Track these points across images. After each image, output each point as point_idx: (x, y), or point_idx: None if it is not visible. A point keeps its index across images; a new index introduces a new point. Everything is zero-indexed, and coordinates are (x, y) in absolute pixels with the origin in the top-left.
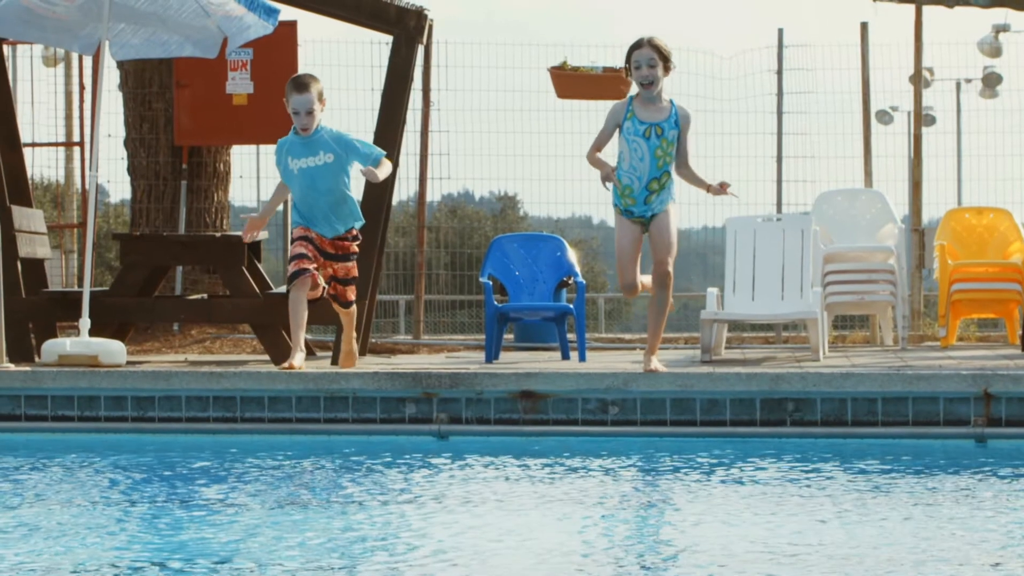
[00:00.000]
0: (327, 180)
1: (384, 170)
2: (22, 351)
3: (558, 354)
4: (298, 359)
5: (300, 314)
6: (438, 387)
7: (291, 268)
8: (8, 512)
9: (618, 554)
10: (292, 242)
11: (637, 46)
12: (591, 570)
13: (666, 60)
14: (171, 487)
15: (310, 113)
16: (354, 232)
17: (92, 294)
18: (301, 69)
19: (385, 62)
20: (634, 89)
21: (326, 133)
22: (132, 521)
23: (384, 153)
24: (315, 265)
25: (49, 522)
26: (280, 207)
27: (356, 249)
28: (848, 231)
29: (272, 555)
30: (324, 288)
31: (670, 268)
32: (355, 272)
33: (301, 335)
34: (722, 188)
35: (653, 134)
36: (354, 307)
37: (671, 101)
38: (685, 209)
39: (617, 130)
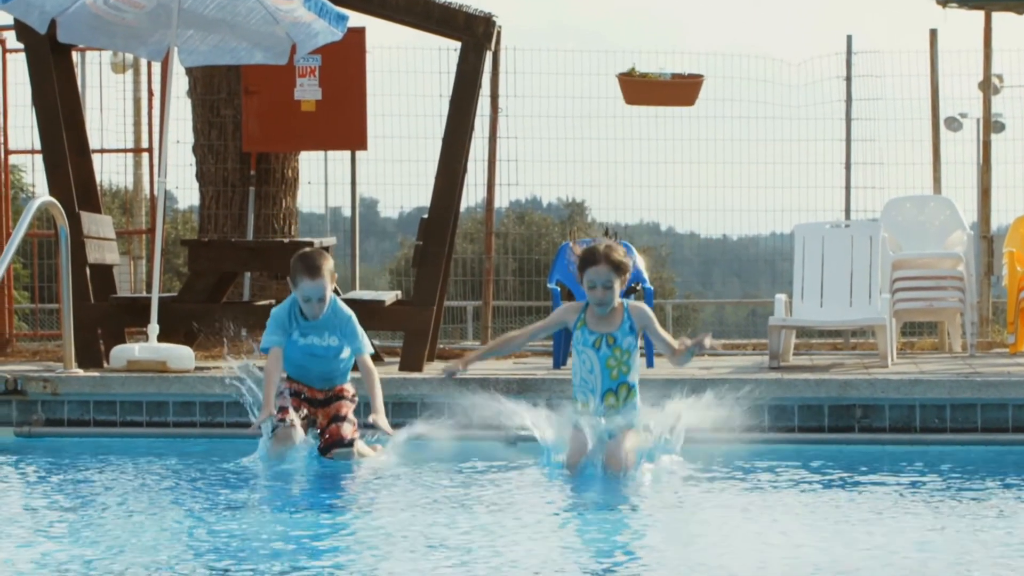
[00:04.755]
0: (329, 359)
1: (373, 377)
2: (91, 357)
3: None
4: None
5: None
6: (506, 393)
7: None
8: (76, 514)
9: (689, 565)
10: (278, 395)
11: (592, 261)
12: None
13: (623, 274)
14: (239, 491)
15: (322, 300)
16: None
17: (160, 300)
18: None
19: (453, 68)
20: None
21: (332, 313)
22: (201, 525)
23: (370, 351)
24: (300, 415)
25: (117, 525)
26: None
27: (349, 393)
28: (917, 238)
29: (340, 557)
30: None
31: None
32: (346, 410)
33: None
34: (699, 342)
35: (604, 344)
36: (356, 444)
37: (624, 304)
38: (754, 216)
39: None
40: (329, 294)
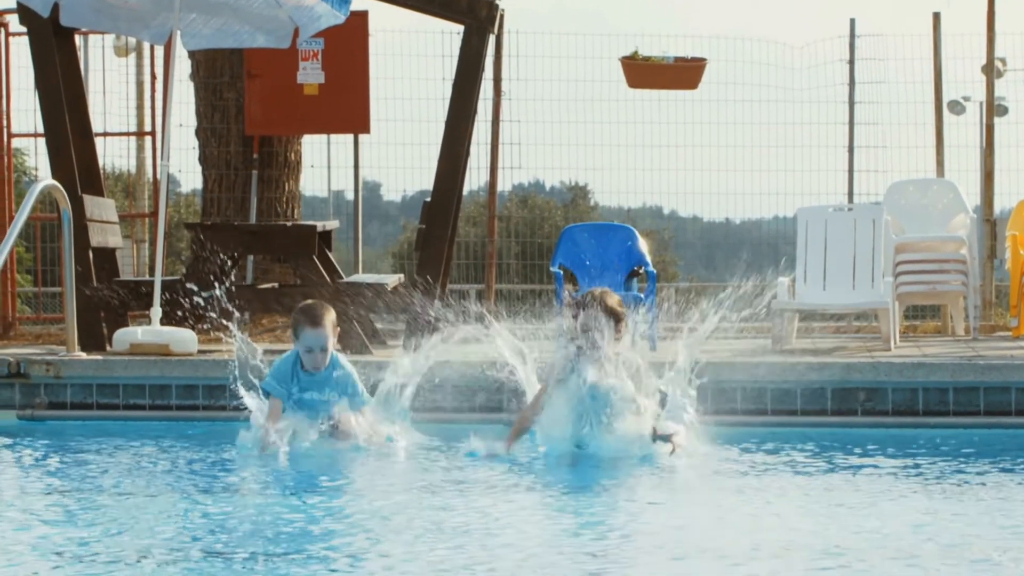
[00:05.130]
0: (328, 409)
1: (361, 422)
2: (94, 340)
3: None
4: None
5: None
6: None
7: None
8: (79, 497)
9: (684, 547)
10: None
11: (587, 306)
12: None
13: (617, 320)
14: (238, 474)
15: (324, 350)
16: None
17: (163, 283)
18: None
19: (456, 52)
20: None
21: (333, 369)
22: (199, 507)
23: (370, 403)
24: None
25: (118, 508)
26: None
27: (348, 411)
28: (920, 221)
29: (337, 539)
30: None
31: None
32: (345, 423)
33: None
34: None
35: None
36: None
37: (618, 355)
38: (757, 199)
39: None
40: (331, 345)
